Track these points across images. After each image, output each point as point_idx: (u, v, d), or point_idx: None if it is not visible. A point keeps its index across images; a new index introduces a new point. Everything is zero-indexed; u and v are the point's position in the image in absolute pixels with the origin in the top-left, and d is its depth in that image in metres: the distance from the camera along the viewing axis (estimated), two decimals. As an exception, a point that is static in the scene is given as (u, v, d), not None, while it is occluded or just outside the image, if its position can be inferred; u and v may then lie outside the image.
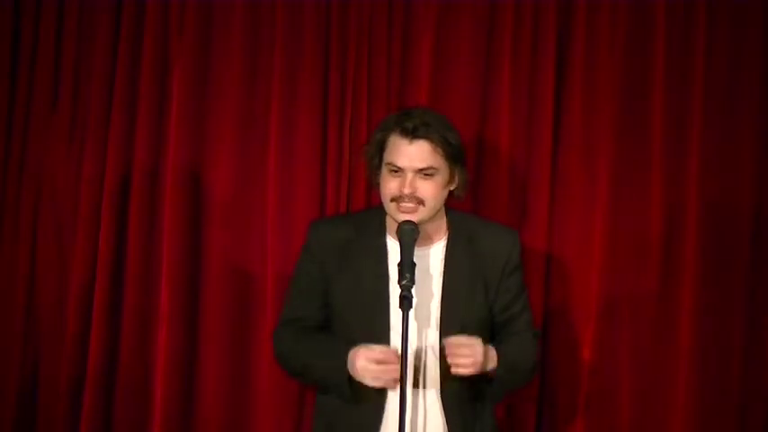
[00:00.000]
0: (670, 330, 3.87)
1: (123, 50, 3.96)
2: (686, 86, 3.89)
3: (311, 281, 3.31)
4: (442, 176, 3.17)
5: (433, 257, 3.24)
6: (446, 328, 3.15)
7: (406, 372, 2.98)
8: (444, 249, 3.25)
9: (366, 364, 3.08)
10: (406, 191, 3.13)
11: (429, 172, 3.14)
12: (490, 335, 3.24)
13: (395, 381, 3.03)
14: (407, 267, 3.03)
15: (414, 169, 3.13)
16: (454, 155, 3.17)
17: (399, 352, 3.00)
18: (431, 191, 3.15)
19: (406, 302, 2.97)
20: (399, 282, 3.02)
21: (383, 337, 3.16)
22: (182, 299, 3.92)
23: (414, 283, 3.01)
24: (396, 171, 3.16)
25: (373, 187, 3.35)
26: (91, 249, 3.95)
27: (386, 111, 3.91)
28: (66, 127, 4.00)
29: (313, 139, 3.94)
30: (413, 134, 3.13)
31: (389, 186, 3.17)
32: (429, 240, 3.24)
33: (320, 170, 3.94)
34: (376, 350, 3.08)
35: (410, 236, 3.11)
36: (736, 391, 3.88)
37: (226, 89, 3.96)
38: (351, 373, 3.12)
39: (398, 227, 3.14)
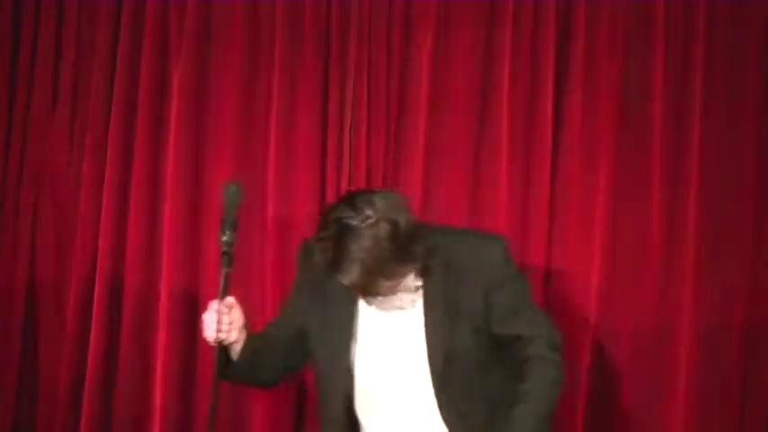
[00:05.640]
0: (670, 330, 3.87)
1: (123, 51, 3.97)
2: (686, 86, 3.88)
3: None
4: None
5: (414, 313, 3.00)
6: (433, 371, 2.94)
7: None
8: (422, 294, 2.96)
9: (205, 315, 2.99)
10: None
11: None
12: (492, 355, 2.98)
13: (214, 331, 2.96)
14: (228, 225, 2.91)
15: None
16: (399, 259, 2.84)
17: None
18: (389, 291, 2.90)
19: (225, 258, 2.90)
20: (220, 239, 2.91)
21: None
22: (182, 299, 3.93)
23: (234, 241, 2.90)
24: None
25: None
26: (91, 249, 3.96)
27: (386, 111, 3.91)
28: (67, 127, 4.01)
29: (313, 139, 3.94)
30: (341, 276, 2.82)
31: None
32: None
33: (320, 170, 3.93)
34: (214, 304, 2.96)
35: (234, 196, 2.97)
36: (736, 392, 3.88)
37: (226, 90, 3.96)
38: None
39: (224, 186, 3.01)
